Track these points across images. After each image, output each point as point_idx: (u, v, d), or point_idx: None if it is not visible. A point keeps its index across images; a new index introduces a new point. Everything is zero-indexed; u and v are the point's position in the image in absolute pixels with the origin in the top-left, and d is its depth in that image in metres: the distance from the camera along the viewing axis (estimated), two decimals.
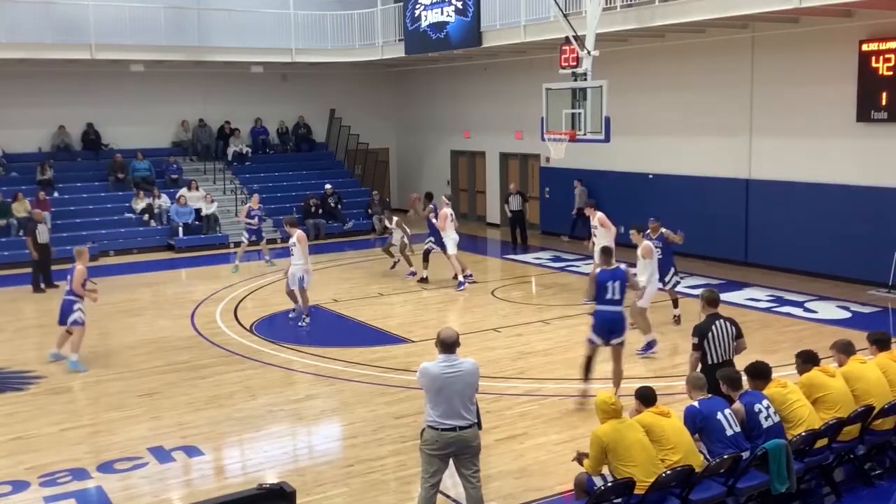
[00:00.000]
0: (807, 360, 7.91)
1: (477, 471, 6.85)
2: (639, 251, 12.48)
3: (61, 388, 11.27)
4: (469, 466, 6.79)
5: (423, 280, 17.28)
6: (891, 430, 7.91)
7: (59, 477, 8.43)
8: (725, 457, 6.76)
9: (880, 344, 8.36)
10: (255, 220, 19.53)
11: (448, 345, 6.71)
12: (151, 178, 23.77)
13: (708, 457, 6.86)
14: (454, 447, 6.69)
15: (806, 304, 14.77)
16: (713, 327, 8.40)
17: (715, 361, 8.29)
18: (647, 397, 7.02)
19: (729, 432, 6.92)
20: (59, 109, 23.73)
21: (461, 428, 6.64)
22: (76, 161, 24.11)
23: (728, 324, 8.50)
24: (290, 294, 14.56)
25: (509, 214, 21.78)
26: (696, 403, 7.09)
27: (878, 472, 7.98)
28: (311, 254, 20.87)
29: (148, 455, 8.94)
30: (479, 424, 6.90)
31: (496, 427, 9.44)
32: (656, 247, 12.93)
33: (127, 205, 22.91)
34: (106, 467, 8.65)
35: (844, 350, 8.12)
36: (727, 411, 7.03)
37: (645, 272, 12.26)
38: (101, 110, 24.30)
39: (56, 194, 22.48)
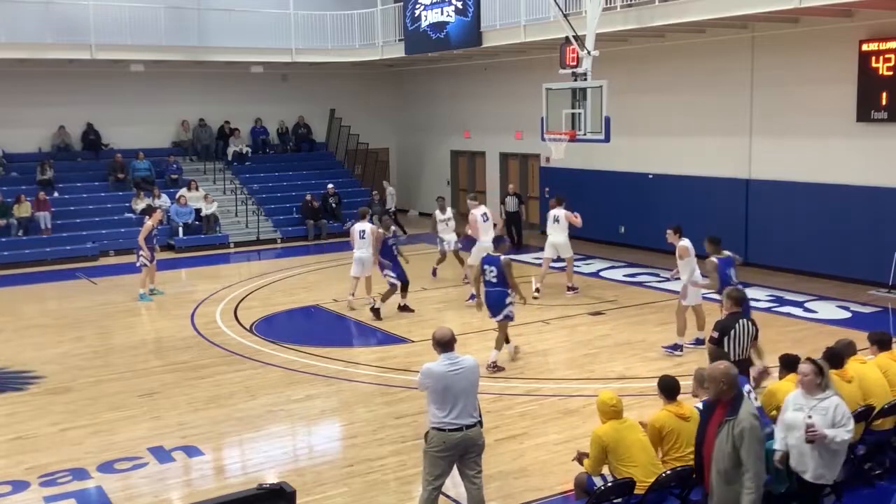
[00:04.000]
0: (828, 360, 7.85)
1: (480, 471, 6.85)
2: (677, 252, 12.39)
3: (61, 389, 11.27)
4: (472, 467, 6.78)
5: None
6: (891, 429, 7.91)
7: (59, 477, 8.43)
8: None
9: (881, 344, 8.36)
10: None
11: (444, 343, 6.73)
12: (151, 178, 23.76)
13: None
14: (461, 447, 6.67)
15: (806, 304, 14.77)
16: (736, 325, 8.50)
17: (733, 359, 8.37)
18: (669, 388, 6.87)
19: None
20: (59, 109, 23.73)
21: (468, 427, 6.64)
22: (76, 161, 24.11)
23: (749, 324, 8.64)
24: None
25: (503, 216, 21.69)
26: (699, 405, 6.92)
27: (877, 472, 7.97)
28: (312, 254, 21.04)
29: (148, 455, 8.93)
30: (480, 423, 6.90)
31: (496, 427, 9.43)
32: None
33: (127, 205, 22.91)
34: (106, 467, 8.65)
35: (845, 351, 8.09)
36: None
37: (684, 272, 12.22)
38: (101, 110, 24.31)
39: (56, 194, 22.49)
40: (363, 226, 15.09)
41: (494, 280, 11.58)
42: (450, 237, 17.11)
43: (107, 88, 24.08)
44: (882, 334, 8.48)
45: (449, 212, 17.33)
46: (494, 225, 16.53)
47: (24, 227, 21.15)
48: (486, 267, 11.70)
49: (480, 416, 6.88)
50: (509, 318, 11.71)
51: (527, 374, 11.48)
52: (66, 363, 12.39)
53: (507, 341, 11.90)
